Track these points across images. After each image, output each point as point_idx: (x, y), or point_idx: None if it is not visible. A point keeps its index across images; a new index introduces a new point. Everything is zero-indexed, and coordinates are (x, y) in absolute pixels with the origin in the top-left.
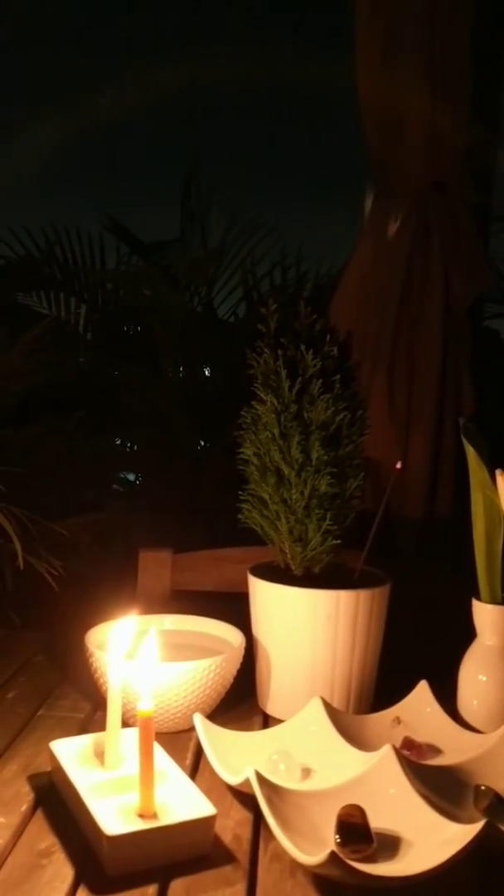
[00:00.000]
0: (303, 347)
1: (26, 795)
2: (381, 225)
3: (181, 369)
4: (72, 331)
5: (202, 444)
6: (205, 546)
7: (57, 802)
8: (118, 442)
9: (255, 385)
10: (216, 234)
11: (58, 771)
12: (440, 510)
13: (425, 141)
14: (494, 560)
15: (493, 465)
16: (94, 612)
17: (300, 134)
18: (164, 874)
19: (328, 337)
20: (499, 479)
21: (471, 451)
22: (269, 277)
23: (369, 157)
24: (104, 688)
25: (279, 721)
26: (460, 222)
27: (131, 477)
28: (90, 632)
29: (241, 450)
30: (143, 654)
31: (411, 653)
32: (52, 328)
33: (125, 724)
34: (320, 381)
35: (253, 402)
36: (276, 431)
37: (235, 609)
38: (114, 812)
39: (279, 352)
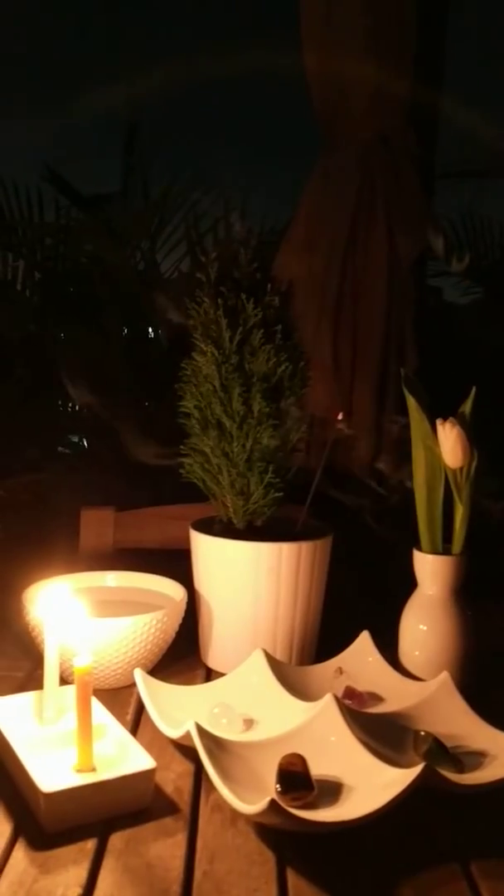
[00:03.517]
0: (243, 296)
1: None
2: (327, 180)
3: (125, 328)
4: (10, 288)
5: (147, 404)
6: (151, 506)
7: None
8: (60, 404)
9: (195, 336)
10: (159, 188)
11: None
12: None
13: (369, 97)
14: (435, 510)
15: (433, 416)
16: (35, 571)
17: (247, 87)
18: (103, 828)
19: (269, 286)
20: (440, 429)
21: (412, 402)
22: (212, 232)
23: (315, 113)
24: (42, 646)
25: (222, 674)
26: (404, 177)
27: (76, 439)
28: (27, 590)
29: (182, 403)
30: (74, 611)
31: (354, 603)
32: None
33: (68, 681)
34: (262, 331)
35: (193, 354)
36: (216, 383)
37: (179, 566)
38: (51, 768)
39: (219, 301)
